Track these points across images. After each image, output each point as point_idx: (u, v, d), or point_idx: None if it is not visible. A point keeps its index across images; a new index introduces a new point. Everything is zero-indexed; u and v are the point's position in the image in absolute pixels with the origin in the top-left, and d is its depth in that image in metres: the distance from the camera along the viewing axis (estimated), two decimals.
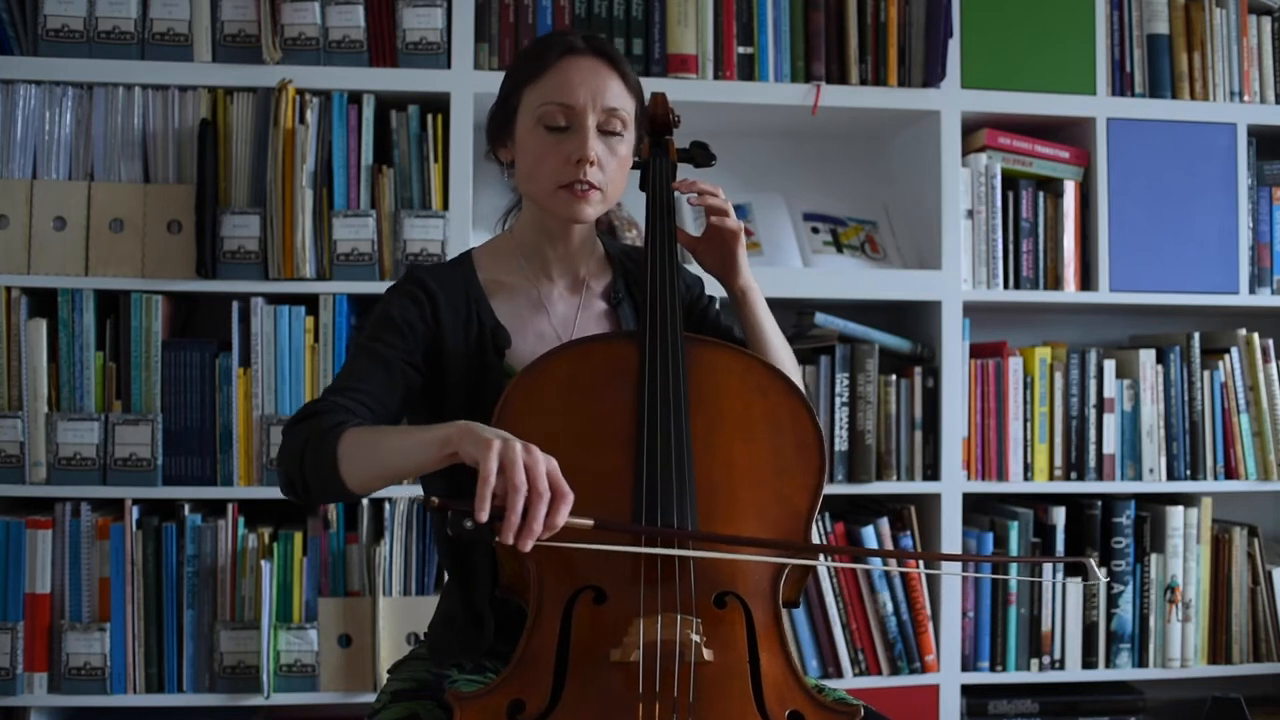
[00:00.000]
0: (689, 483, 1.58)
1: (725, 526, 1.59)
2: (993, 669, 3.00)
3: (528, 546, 1.41)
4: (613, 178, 1.77)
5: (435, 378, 1.80)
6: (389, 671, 1.86)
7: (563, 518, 1.43)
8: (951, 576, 2.99)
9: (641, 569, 1.51)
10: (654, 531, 1.52)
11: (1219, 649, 3.11)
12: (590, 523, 1.46)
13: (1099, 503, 3.05)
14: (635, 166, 1.89)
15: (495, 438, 1.43)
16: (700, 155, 1.99)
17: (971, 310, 3.03)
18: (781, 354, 1.88)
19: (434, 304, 1.79)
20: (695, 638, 1.45)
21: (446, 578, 1.90)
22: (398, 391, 1.75)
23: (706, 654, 1.46)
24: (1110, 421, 3.06)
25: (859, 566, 2.89)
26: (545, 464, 1.43)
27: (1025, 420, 3.04)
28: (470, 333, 1.80)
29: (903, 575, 2.92)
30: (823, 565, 1.77)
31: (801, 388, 1.83)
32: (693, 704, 1.43)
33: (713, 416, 1.66)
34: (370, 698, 2.68)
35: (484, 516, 1.39)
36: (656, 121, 1.94)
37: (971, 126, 3.07)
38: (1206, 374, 3.10)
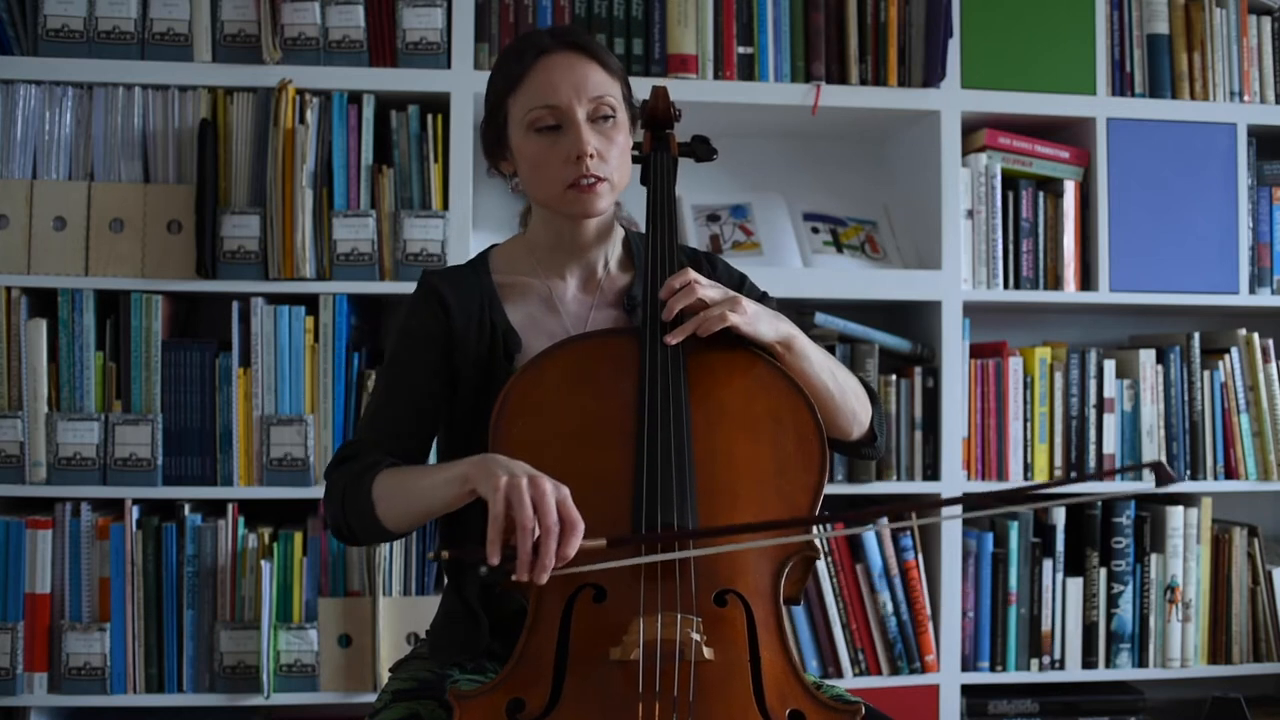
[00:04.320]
0: (690, 481, 1.58)
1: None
2: (993, 669, 3.00)
3: (543, 580, 1.42)
4: (616, 166, 1.76)
5: (451, 377, 1.81)
6: (390, 671, 1.86)
7: (574, 548, 1.43)
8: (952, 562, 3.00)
9: (642, 568, 1.50)
10: (656, 537, 1.52)
11: (1219, 649, 3.10)
12: (603, 543, 1.47)
13: (1099, 503, 3.05)
14: (635, 161, 1.87)
15: (503, 474, 1.44)
16: (701, 150, 1.97)
17: (971, 310, 3.03)
18: (841, 401, 1.76)
19: (446, 310, 1.79)
20: (696, 636, 1.45)
21: (446, 578, 1.90)
22: (425, 410, 1.79)
23: (707, 653, 1.45)
24: (1110, 421, 3.06)
25: (858, 530, 2.89)
26: (554, 495, 1.43)
27: (1025, 420, 3.04)
28: (482, 336, 1.80)
29: (904, 576, 2.92)
30: (820, 536, 1.76)
31: (867, 420, 1.82)
32: (693, 703, 1.42)
33: (714, 413, 1.65)
34: (370, 698, 2.68)
35: (495, 560, 1.41)
36: (657, 116, 1.92)
37: (971, 126, 3.07)
38: (1206, 374, 3.10)
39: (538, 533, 1.42)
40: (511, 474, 1.44)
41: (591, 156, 1.72)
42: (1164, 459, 3.06)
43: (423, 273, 1.88)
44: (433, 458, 1.87)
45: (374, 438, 1.76)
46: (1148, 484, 1.58)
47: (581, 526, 1.44)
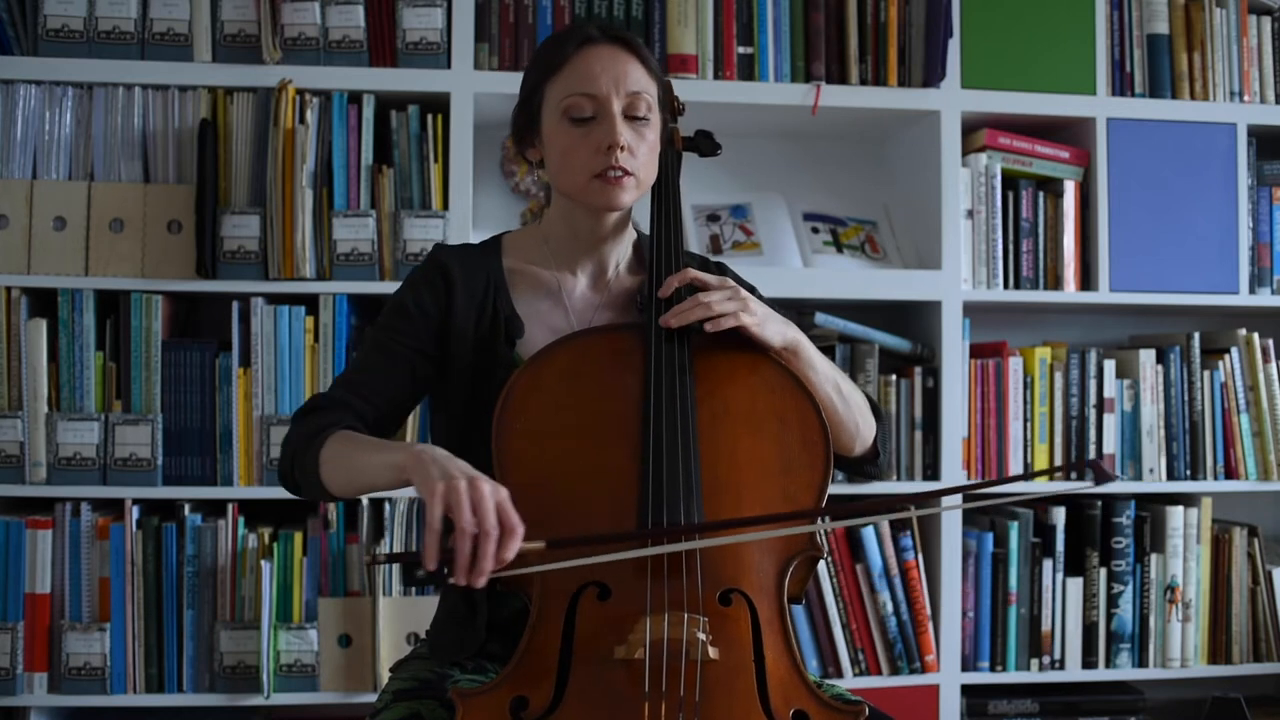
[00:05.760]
0: (694, 479, 1.57)
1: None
2: (993, 669, 3.00)
3: (480, 584, 1.42)
4: (644, 163, 1.76)
5: (442, 360, 1.81)
6: (390, 671, 1.86)
7: (512, 552, 1.42)
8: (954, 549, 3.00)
9: (647, 566, 1.50)
10: (640, 534, 1.51)
11: (1219, 649, 3.11)
12: (542, 544, 1.46)
13: (1099, 503, 3.05)
14: None
15: (440, 479, 1.43)
16: (705, 144, 1.97)
17: (971, 310, 3.03)
18: (845, 414, 1.76)
19: (449, 286, 1.80)
20: (701, 636, 1.45)
21: None
22: (403, 383, 1.79)
23: (712, 652, 1.45)
24: (1110, 421, 3.06)
25: (859, 521, 2.87)
26: (493, 498, 1.42)
27: (1025, 420, 3.04)
28: (483, 318, 1.80)
29: (903, 576, 2.92)
30: (821, 528, 1.75)
31: (871, 436, 1.81)
32: (698, 702, 1.42)
33: (718, 411, 1.65)
34: (370, 698, 2.68)
35: (432, 566, 1.41)
36: None
37: (971, 126, 3.07)
38: (1206, 374, 3.11)
39: (476, 535, 1.41)
40: (449, 477, 1.43)
41: (622, 149, 1.72)
42: (1164, 459, 3.06)
43: (434, 246, 1.88)
44: (425, 435, 1.86)
45: (344, 396, 1.76)
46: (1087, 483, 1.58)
47: (521, 530, 1.43)
